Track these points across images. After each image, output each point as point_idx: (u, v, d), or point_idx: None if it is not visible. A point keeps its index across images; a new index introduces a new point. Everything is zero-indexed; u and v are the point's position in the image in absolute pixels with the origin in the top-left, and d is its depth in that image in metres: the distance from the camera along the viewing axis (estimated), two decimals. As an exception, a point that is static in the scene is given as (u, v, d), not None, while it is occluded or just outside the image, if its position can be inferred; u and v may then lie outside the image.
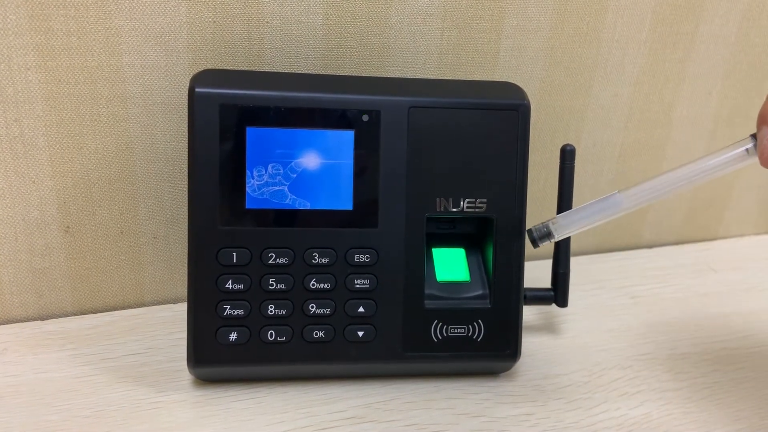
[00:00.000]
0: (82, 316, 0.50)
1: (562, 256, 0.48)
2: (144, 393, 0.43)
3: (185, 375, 0.44)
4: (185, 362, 0.42)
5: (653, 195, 0.39)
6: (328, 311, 0.42)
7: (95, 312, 0.51)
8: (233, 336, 0.42)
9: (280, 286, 0.42)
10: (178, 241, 0.51)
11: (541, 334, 0.52)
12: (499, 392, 0.45)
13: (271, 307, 0.42)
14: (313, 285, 0.42)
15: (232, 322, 0.42)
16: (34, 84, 0.44)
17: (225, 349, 0.42)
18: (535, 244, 0.43)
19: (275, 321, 0.42)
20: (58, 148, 0.46)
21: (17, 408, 0.41)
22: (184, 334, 0.42)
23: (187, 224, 0.41)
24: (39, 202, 0.47)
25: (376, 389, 0.44)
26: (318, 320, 0.42)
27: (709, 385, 0.47)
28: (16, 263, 0.48)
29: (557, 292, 0.48)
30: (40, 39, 0.43)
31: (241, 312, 0.42)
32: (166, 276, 0.52)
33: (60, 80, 0.45)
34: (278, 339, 0.42)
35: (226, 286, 0.41)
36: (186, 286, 0.42)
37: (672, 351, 0.51)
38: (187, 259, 0.41)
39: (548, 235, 0.42)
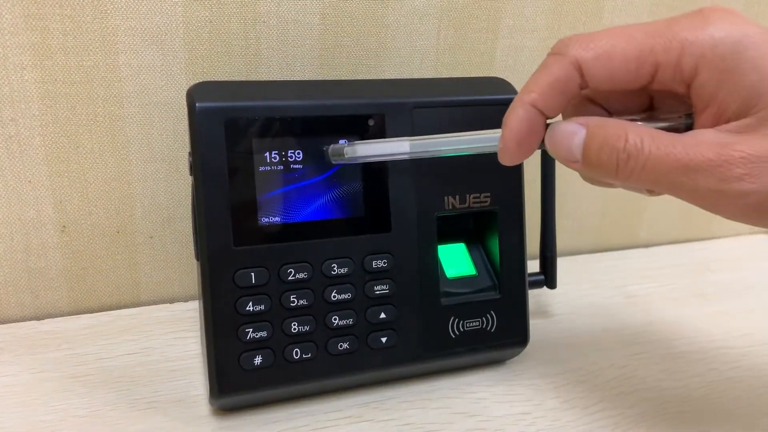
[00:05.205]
0: (78, 315, 0.50)
1: (548, 240, 0.50)
2: (140, 393, 0.43)
3: (181, 375, 0.44)
4: (181, 362, 0.42)
5: (434, 149, 0.37)
6: (350, 321, 0.41)
7: (91, 312, 0.51)
8: (258, 360, 0.39)
9: (301, 302, 0.40)
10: (174, 240, 0.51)
11: (537, 334, 0.52)
12: (495, 391, 0.45)
13: (294, 325, 0.40)
14: (334, 297, 0.41)
15: (256, 346, 0.39)
16: (30, 83, 0.44)
17: (250, 374, 0.39)
18: (329, 159, 0.41)
19: (299, 338, 0.40)
20: (54, 148, 0.46)
21: (13, 408, 0.41)
22: (180, 334, 0.42)
23: (181, 223, 0.41)
24: (35, 202, 0.47)
25: (372, 389, 0.44)
26: (341, 332, 0.41)
27: (704, 384, 0.47)
28: (12, 263, 0.48)
29: (547, 275, 0.51)
30: (36, 38, 0.43)
31: (264, 334, 0.40)
32: (162, 275, 0.52)
33: (56, 80, 0.45)
34: (303, 356, 0.41)
35: (247, 308, 0.39)
36: (181, 285, 0.41)
37: (668, 350, 0.51)
38: (200, 284, 0.39)
39: (340, 155, 0.40)
